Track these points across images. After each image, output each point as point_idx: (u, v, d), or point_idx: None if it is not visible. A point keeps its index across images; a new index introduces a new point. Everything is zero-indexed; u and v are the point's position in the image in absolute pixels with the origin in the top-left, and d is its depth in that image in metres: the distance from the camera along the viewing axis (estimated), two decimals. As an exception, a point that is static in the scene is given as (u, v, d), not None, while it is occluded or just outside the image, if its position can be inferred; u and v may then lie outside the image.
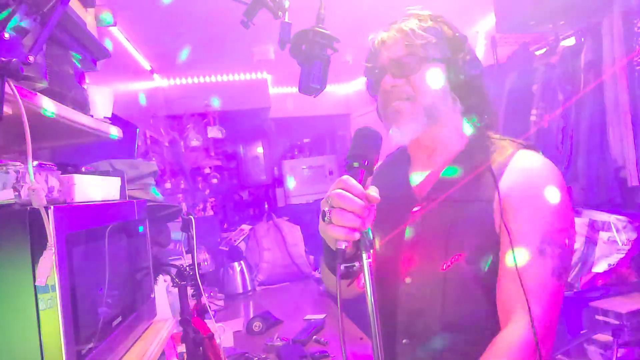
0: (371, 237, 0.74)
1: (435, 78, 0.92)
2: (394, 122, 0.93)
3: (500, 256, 0.84)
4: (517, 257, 0.80)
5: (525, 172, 0.86)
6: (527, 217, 0.83)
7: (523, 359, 0.77)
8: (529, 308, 0.77)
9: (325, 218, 0.73)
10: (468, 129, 0.97)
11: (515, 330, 0.78)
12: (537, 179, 0.86)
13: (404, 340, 0.92)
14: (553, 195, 0.84)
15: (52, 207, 0.73)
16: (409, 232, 0.93)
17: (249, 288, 3.22)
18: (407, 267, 0.91)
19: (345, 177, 0.74)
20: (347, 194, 0.72)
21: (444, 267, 0.87)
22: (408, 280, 0.91)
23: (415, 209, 0.94)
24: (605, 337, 1.98)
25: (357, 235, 0.72)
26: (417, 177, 1.00)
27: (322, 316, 2.32)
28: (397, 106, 0.92)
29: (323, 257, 0.89)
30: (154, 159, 3.15)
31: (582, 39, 2.18)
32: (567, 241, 0.83)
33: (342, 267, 0.73)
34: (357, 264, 0.74)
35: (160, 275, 1.52)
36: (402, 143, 0.96)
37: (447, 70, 0.93)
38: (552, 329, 0.82)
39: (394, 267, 0.93)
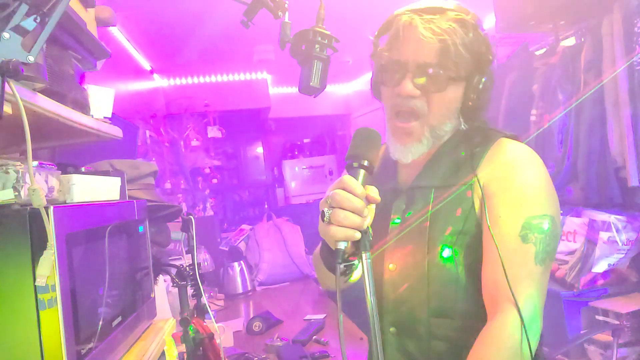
0: (371, 237, 0.74)
1: (453, 100, 0.89)
2: (399, 140, 0.90)
3: (483, 244, 0.83)
4: (499, 244, 0.79)
5: (504, 159, 0.86)
6: (507, 204, 0.82)
7: (511, 348, 0.75)
8: (514, 296, 0.75)
9: (325, 218, 0.73)
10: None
11: (503, 319, 0.76)
12: (516, 166, 0.85)
13: (391, 329, 0.92)
14: (532, 181, 0.84)
15: (52, 207, 0.73)
16: (394, 222, 0.93)
17: (249, 288, 3.22)
18: (390, 254, 0.92)
19: (346, 177, 0.74)
20: (346, 193, 0.72)
21: (427, 253, 0.87)
22: (391, 266, 0.92)
23: (399, 198, 0.95)
24: (605, 337, 1.98)
25: (356, 235, 0.72)
26: (403, 169, 1.00)
27: (322, 316, 2.32)
28: (407, 128, 0.89)
29: (320, 256, 0.89)
30: (154, 159, 3.15)
31: (582, 39, 2.18)
32: (549, 226, 0.81)
33: (341, 266, 0.73)
34: (356, 262, 0.74)
35: (160, 275, 1.52)
36: (402, 161, 0.92)
37: (465, 90, 0.89)
38: (539, 315, 0.79)
39: (379, 256, 0.93)
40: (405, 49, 0.86)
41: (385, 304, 0.92)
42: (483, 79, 0.89)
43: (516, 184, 0.83)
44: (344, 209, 0.71)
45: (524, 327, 0.74)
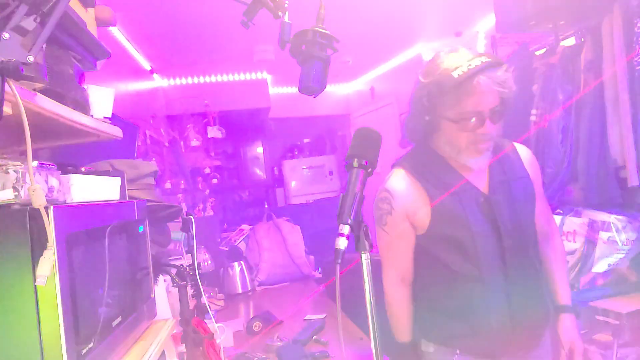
0: (370, 237, 0.74)
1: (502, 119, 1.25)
2: (479, 154, 1.23)
3: (537, 204, 1.36)
4: (543, 204, 1.42)
5: (532, 158, 1.39)
6: (540, 185, 1.40)
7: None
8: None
9: None
10: None
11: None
12: (536, 163, 1.41)
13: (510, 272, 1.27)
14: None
15: (52, 207, 0.73)
16: (494, 211, 1.25)
17: (249, 288, 3.22)
18: (505, 230, 1.24)
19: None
20: None
21: (526, 220, 1.30)
22: (509, 241, 1.25)
23: (491, 193, 1.27)
24: (605, 337, 1.98)
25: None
26: (467, 173, 1.28)
27: (322, 316, 2.32)
28: (486, 147, 1.23)
29: None
30: (154, 159, 3.15)
31: (582, 39, 2.17)
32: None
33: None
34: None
35: (160, 275, 1.52)
36: (480, 168, 1.28)
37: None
38: None
39: (492, 233, 1.24)
40: (480, 101, 1.16)
41: (501, 258, 1.26)
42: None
43: (540, 175, 1.42)
44: None
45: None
